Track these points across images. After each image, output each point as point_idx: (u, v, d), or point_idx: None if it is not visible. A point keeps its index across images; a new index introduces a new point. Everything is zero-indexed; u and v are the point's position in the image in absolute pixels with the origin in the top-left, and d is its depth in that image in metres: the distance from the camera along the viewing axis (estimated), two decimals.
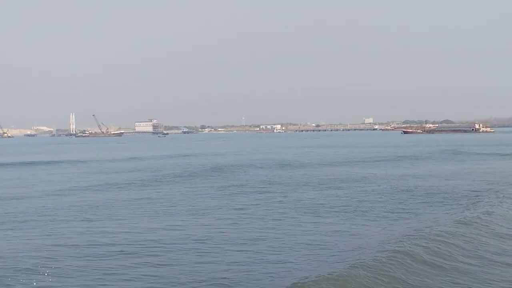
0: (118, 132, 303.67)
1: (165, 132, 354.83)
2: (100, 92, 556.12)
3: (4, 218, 19.12)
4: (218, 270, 12.02)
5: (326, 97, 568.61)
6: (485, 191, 24.54)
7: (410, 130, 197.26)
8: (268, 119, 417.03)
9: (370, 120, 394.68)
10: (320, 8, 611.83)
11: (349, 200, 22.41)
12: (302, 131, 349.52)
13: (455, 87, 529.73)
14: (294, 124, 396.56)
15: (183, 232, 16.05)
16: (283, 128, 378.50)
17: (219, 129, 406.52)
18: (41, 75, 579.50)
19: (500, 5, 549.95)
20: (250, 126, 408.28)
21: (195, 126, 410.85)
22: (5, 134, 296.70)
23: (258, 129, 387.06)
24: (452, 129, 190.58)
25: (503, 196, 22.39)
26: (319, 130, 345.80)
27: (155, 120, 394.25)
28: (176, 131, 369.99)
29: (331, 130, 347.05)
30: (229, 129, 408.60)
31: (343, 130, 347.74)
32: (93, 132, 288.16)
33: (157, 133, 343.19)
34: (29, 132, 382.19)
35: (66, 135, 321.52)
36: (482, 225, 16.07)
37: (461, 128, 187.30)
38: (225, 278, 11.41)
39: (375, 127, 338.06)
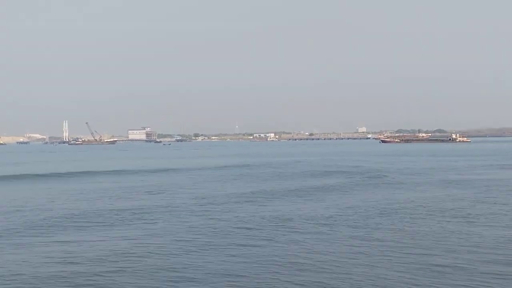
0: (112, 140, 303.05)
1: (158, 140, 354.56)
2: (93, 99, 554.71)
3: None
4: None
5: (320, 106, 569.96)
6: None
7: (388, 140, 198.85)
8: (262, 128, 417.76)
9: (364, 129, 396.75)
10: (319, 7, 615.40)
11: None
12: (295, 139, 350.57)
13: (450, 96, 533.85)
14: (288, 133, 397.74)
15: None
16: (277, 136, 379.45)
17: (213, 138, 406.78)
18: (33, 82, 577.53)
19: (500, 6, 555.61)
20: (244, 135, 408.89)
21: (189, 135, 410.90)
22: None
23: (251, 137, 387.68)
24: (429, 139, 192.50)
25: None
26: (313, 139, 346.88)
27: (148, 128, 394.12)
28: (169, 139, 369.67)
29: (324, 139, 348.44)
30: (222, 137, 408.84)
31: (336, 139, 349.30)
32: (86, 140, 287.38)
33: (150, 141, 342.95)
34: (21, 140, 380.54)
35: (59, 143, 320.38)
36: None
37: (438, 138, 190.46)
38: None
39: (368, 136, 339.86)
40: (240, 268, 13.06)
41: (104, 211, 23.11)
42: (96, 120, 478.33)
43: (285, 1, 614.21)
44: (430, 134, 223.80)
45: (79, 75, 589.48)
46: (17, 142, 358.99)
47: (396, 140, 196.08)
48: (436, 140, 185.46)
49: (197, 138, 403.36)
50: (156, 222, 19.98)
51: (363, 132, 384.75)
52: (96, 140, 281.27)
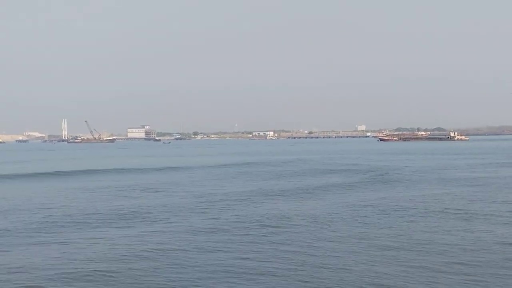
0: (111, 138, 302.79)
1: (157, 138, 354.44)
2: (92, 97, 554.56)
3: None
4: None
5: (319, 104, 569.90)
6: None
7: (386, 138, 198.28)
8: (261, 126, 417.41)
9: (363, 127, 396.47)
10: (313, 11, 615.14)
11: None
12: (294, 138, 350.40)
13: (449, 95, 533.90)
14: (287, 131, 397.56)
15: None
16: (276, 135, 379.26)
17: (212, 136, 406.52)
18: (32, 80, 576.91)
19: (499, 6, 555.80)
20: (243, 133, 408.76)
21: (188, 133, 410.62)
22: None
23: (250, 135, 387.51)
24: (428, 137, 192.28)
25: None
26: (312, 137, 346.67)
27: (147, 127, 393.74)
28: (168, 137, 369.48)
29: (324, 137, 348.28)
30: (221, 135, 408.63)
31: (335, 137, 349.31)
32: (85, 138, 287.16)
33: (149, 139, 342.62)
34: (20, 138, 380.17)
35: (58, 141, 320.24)
36: None
37: (437, 137, 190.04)
38: None
39: (367, 134, 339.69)
40: (256, 266, 13.18)
41: (116, 209, 23.20)
42: (95, 118, 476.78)
43: (285, 1, 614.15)
44: (429, 133, 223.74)
45: (78, 74, 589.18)
46: (16, 141, 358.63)
47: (395, 138, 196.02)
48: (434, 138, 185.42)
49: (196, 136, 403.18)
50: (172, 220, 20.14)
51: (362, 130, 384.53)
52: (95, 138, 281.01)
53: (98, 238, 16.95)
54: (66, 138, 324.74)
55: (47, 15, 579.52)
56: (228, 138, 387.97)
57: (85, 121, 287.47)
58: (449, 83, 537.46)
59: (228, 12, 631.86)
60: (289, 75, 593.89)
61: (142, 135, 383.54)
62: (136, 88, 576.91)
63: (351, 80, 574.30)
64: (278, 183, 35.15)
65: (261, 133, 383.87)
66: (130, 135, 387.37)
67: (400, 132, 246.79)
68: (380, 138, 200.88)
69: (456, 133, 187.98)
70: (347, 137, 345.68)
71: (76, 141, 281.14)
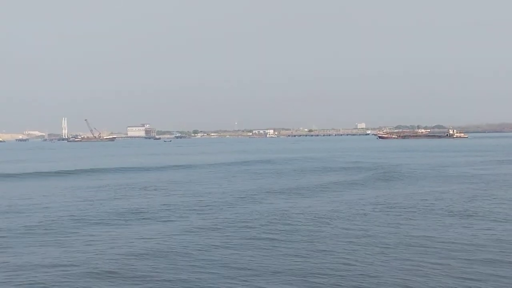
0: (111, 137, 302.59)
1: (157, 136, 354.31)
2: (92, 96, 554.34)
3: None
4: None
5: (319, 102, 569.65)
6: None
7: (385, 136, 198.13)
8: (261, 124, 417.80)
9: (363, 125, 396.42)
10: (314, 7, 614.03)
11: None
12: (294, 136, 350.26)
13: (450, 92, 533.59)
14: (287, 129, 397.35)
15: None
16: (276, 133, 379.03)
17: (212, 134, 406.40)
18: (32, 79, 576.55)
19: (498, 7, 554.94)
20: (243, 131, 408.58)
21: (188, 131, 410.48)
22: None
23: (250, 134, 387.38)
24: (427, 135, 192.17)
25: None
26: (312, 135, 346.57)
27: (147, 125, 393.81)
28: (168, 135, 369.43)
29: (324, 135, 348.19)
30: (221, 134, 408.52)
31: (335, 135, 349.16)
32: (85, 137, 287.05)
33: (149, 138, 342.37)
34: (20, 137, 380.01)
35: (58, 140, 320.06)
36: None
37: (436, 134, 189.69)
38: None
39: (367, 132, 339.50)
40: (276, 264, 13.23)
41: (130, 208, 23.32)
42: (95, 117, 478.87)
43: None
44: (429, 130, 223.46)
45: (78, 73, 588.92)
46: (16, 140, 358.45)
47: (394, 136, 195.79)
48: (433, 136, 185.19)
49: (196, 134, 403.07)
50: (190, 218, 20.31)
51: (362, 128, 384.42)
52: (95, 137, 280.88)
53: (114, 235, 17.14)
54: (66, 137, 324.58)
55: (47, 14, 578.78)
56: (228, 136, 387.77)
57: (85, 120, 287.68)
58: (449, 80, 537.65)
59: (227, 11, 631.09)
60: (289, 74, 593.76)
61: (142, 133, 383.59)
62: (136, 87, 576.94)
63: (351, 79, 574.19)
64: (287, 181, 35.16)
65: (261, 131, 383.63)
66: (130, 133, 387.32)
67: (400, 130, 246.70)
68: (379, 136, 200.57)
69: (455, 130, 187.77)
70: (347, 135, 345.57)
71: (76, 140, 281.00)
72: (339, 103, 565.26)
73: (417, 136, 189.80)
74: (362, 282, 11.63)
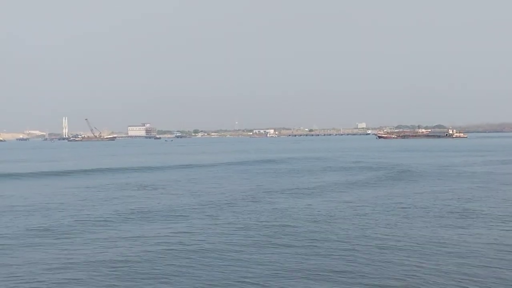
0: (111, 136, 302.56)
1: (157, 136, 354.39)
2: (93, 96, 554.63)
3: None
4: None
5: (319, 102, 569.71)
6: None
7: (385, 136, 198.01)
8: (261, 124, 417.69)
9: (363, 125, 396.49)
10: (315, 7, 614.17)
11: None
12: (295, 135, 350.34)
13: (450, 92, 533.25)
14: (287, 129, 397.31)
15: None
16: (276, 132, 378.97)
17: (212, 134, 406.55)
18: (33, 78, 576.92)
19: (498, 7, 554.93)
20: (243, 131, 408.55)
21: (188, 131, 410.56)
22: None
23: (251, 133, 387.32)
24: (426, 134, 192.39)
25: None
26: (312, 135, 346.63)
27: (148, 124, 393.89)
28: (169, 135, 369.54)
29: (324, 134, 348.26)
30: (222, 133, 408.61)
31: (336, 134, 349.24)
32: (86, 136, 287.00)
33: (150, 137, 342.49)
34: (21, 136, 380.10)
35: (59, 139, 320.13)
36: None
37: (435, 134, 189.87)
38: None
39: (368, 132, 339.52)
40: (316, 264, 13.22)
41: (156, 207, 23.39)
42: (95, 116, 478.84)
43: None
44: (429, 130, 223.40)
45: (78, 73, 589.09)
46: (17, 139, 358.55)
47: (393, 136, 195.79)
48: (433, 135, 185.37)
49: (196, 134, 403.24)
50: (220, 216, 20.37)
51: (363, 128, 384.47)
52: (95, 136, 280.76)
53: (143, 233, 17.24)
54: (66, 136, 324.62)
55: (47, 14, 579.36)
56: (228, 136, 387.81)
57: (86, 119, 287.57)
58: (449, 80, 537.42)
59: (228, 11, 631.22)
60: (290, 73, 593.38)
61: (143, 133, 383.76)
62: (137, 87, 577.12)
63: (351, 79, 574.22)
64: (298, 180, 35.35)
65: (262, 131, 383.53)
66: (130, 133, 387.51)
67: (400, 130, 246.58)
68: (378, 136, 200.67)
69: (454, 130, 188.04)
70: (348, 134, 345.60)
71: (77, 139, 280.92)
72: (339, 103, 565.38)
73: (416, 136, 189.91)
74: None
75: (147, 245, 15.44)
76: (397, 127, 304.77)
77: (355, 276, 12.09)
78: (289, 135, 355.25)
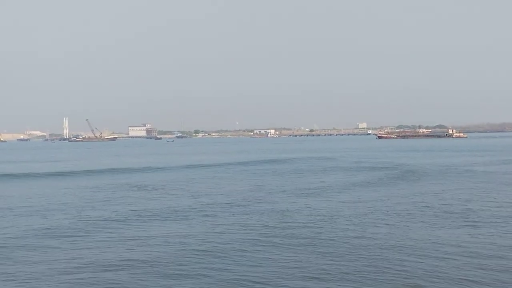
0: (112, 136, 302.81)
1: (158, 136, 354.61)
2: (94, 96, 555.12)
3: None
4: None
5: (320, 102, 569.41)
6: None
7: (385, 135, 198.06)
8: (262, 124, 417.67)
9: (364, 125, 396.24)
10: (315, 7, 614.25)
11: None
12: (296, 135, 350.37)
13: (451, 91, 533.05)
14: (288, 129, 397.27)
15: None
16: (277, 133, 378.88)
17: (213, 134, 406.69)
18: (33, 78, 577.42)
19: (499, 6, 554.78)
20: (244, 131, 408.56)
21: (189, 131, 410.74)
22: None
23: (252, 133, 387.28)
24: (426, 134, 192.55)
25: None
26: (313, 135, 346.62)
27: (148, 125, 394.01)
28: (169, 135, 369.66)
29: (325, 135, 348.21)
30: (222, 133, 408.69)
31: (336, 134, 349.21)
32: (86, 136, 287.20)
33: (151, 138, 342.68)
34: (22, 137, 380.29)
35: (60, 140, 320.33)
36: None
37: (435, 134, 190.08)
38: None
39: (368, 132, 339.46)
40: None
41: (173, 206, 23.48)
42: (96, 117, 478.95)
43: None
44: (430, 130, 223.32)
45: (79, 73, 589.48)
46: (18, 139, 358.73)
47: (393, 136, 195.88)
48: (433, 136, 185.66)
49: (197, 134, 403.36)
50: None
51: (364, 128, 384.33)
52: (96, 137, 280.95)
53: (158, 233, 17.28)
54: (67, 137, 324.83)
55: (48, 14, 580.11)
56: (229, 136, 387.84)
57: (86, 120, 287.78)
58: (450, 80, 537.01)
59: (226, 9, 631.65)
60: (290, 74, 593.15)
61: (144, 133, 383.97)
62: (137, 86, 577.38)
63: (352, 79, 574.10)
64: (306, 181, 35.35)
65: (262, 131, 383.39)
66: (131, 133, 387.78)
67: (401, 130, 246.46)
68: (378, 136, 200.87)
69: (454, 130, 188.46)
70: (348, 134, 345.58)
71: (78, 139, 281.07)
72: (340, 103, 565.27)
73: (417, 136, 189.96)
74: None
75: (156, 246, 15.38)
76: (398, 127, 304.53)
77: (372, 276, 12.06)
78: (290, 135, 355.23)
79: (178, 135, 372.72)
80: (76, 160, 73.04)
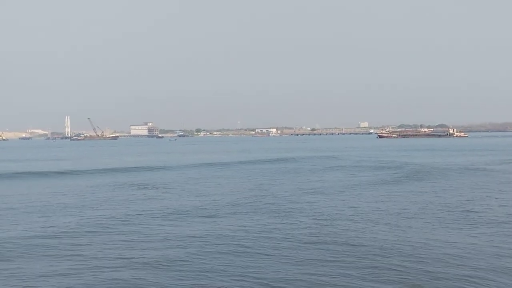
0: (114, 135, 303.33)
1: (160, 135, 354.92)
2: (95, 95, 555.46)
3: None
4: None
5: (322, 101, 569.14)
6: None
7: (385, 135, 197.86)
8: (264, 123, 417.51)
9: (366, 124, 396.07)
10: (315, 6, 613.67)
11: None
12: (297, 135, 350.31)
13: (452, 90, 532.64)
14: (290, 128, 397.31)
15: None
16: (279, 132, 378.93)
17: (215, 133, 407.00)
18: (35, 77, 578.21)
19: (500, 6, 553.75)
20: (246, 130, 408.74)
21: (190, 130, 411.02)
22: (0, 137, 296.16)
23: (253, 132, 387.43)
24: (427, 134, 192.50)
25: None
26: (315, 134, 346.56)
27: (150, 124, 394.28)
28: (171, 134, 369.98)
29: (327, 134, 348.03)
30: (224, 132, 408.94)
31: (338, 134, 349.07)
32: (88, 135, 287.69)
33: (152, 137, 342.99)
34: (24, 135, 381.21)
35: (61, 138, 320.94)
36: None
37: (436, 133, 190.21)
38: None
39: (370, 131, 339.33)
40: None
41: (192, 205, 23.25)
42: (98, 115, 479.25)
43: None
44: (432, 129, 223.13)
45: (80, 72, 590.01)
46: (20, 138, 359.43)
47: (393, 135, 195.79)
48: (434, 135, 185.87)
49: (199, 133, 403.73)
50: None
51: (365, 127, 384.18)
52: (98, 135, 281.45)
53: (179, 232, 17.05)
54: (69, 136, 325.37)
55: (49, 14, 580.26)
56: (230, 135, 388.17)
57: (88, 118, 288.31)
58: (451, 80, 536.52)
59: (226, 8, 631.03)
60: (292, 73, 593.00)
61: (145, 132, 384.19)
62: (139, 86, 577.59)
63: (353, 78, 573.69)
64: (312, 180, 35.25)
65: (264, 130, 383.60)
66: (133, 132, 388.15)
67: (403, 129, 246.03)
68: (378, 135, 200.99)
69: (455, 130, 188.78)
70: (350, 133, 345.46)
71: (79, 138, 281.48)
72: (341, 102, 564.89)
73: (417, 135, 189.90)
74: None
75: (180, 245, 15.18)
76: (399, 126, 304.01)
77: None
78: (292, 135, 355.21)
79: (180, 134, 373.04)
80: (88, 158, 72.92)
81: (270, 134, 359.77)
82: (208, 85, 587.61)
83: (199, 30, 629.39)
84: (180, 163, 54.96)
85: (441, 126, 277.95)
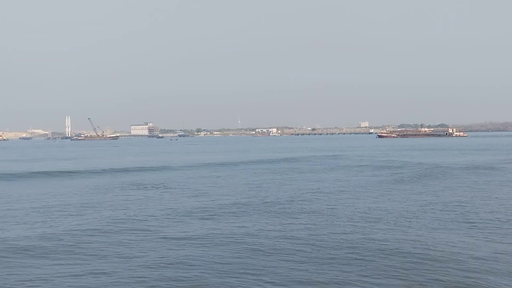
0: (114, 135, 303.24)
1: (160, 135, 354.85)
2: (95, 95, 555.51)
3: None
4: None
5: (322, 101, 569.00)
6: None
7: (385, 134, 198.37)
8: (264, 123, 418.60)
9: (366, 124, 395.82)
10: (316, 3, 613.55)
11: None
12: (298, 134, 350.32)
13: (453, 90, 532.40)
14: (290, 128, 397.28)
15: None
16: (279, 131, 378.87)
17: (215, 133, 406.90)
18: (35, 78, 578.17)
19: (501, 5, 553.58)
20: (246, 130, 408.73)
21: (191, 130, 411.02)
22: (0, 137, 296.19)
23: (253, 132, 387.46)
24: (427, 133, 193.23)
25: None
26: (315, 134, 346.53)
27: (150, 124, 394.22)
28: (172, 134, 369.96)
29: (327, 134, 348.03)
30: (225, 132, 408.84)
31: (338, 133, 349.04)
32: (88, 135, 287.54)
33: (153, 137, 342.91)
34: (24, 135, 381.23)
35: (62, 138, 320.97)
36: None
37: (435, 133, 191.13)
38: None
39: (370, 131, 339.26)
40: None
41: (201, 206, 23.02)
42: (98, 115, 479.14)
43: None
44: (432, 129, 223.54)
45: (81, 71, 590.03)
46: (20, 138, 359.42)
47: (393, 135, 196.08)
48: (433, 135, 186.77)
49: (199, 133, 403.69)
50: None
51: (366, 127, 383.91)
52: (98, 135, 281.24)
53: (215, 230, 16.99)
54: (69, 136, 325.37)
55: (49, 13, 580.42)
56: (231, 135, 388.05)
57: (88, 118, 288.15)
58: (452, 79, 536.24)
59: (227, 8, 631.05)
60: (292, 72, 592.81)
61: (145, 132, 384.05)
62: (139, 86, 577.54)
63: (354, 78, 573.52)
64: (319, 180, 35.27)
65: (264, 130, 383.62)
66: (133, 132, 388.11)
67: (403, 129, 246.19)
68: (379, 135, 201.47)
69: (454, 129, 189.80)
70: (350, 133, 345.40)
71: (79, 138, 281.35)
72: (342, 102, 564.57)
73: (417, 135, 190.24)
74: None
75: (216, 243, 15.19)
76: (400, 126, 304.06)
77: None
78: (292, 134, 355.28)
79: (181, 133, 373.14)
80: (93, 158, 72.78)
81: (271, 134, 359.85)
82: (208, 85, 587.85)
83: (200, 30, 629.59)
84: (183, 163, 54.84)
85: (442, 125, 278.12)
